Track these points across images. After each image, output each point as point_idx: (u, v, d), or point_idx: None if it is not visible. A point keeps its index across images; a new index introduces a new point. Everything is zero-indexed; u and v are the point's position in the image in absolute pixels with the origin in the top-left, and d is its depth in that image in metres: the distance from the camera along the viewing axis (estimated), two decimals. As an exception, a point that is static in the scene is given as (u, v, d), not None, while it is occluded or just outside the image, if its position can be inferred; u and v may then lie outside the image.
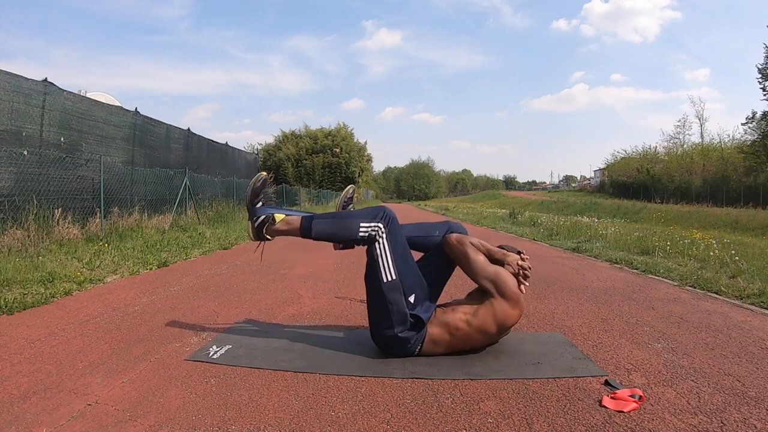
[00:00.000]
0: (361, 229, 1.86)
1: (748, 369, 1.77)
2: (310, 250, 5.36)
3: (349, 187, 2.21)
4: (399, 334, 1.83)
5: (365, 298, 1.97)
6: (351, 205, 2.24)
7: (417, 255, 2.06)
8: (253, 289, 3.34)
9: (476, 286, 1.95)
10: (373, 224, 1.86)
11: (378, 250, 1.86)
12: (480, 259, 1.92)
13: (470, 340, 1.87)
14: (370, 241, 1.87)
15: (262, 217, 1.99)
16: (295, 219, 1.96)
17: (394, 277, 1.84)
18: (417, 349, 1.87)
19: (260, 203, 2.02)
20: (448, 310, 1.91)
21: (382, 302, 1.84)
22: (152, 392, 1.56)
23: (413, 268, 1.94)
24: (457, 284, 3.54)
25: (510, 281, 1.87)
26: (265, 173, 2.09)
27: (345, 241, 1.95)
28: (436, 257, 2.03)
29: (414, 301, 1.88)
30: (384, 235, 1.86)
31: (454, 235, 1.99)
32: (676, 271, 4.00)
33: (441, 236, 2.03)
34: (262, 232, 2.00)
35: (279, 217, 1.98)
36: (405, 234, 1.98)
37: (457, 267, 2.03)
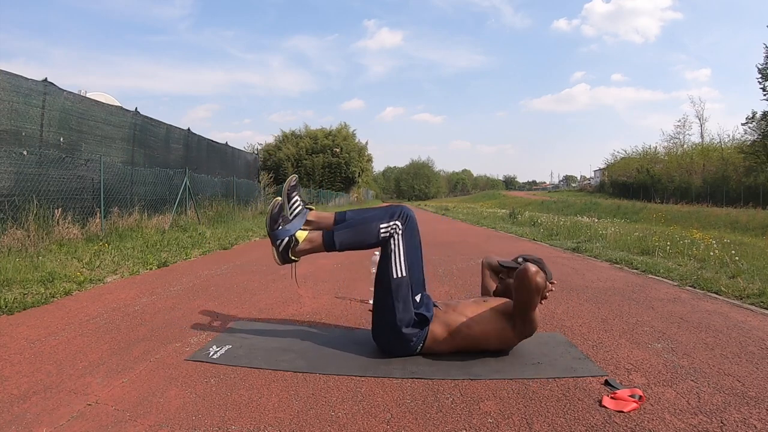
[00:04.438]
0: (381, 231, 1.88)
1: (748, 369, 1.77)
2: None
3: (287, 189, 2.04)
4: (403, 332, 1.83)
5: (365, 298, 1.96)
6: (296, 195, 2.07)
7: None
8: (253, 289, 3.34)
9: (480, 289, 1.94)
10: (392, 223, 1.88)
11: (392, 246, 1.87)
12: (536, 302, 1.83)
13: (470, 344, 1.87)
14: (389, 239, 1.88)
15: (286, 239, 1.97)
16: (316, 235, 1.97)
17: (404, 274, 1.85)
18: (418, 348, 1.87)
19: (279, 227, 1.98)
20: (449, 309, 1.91)
21: (389, 298, 1.85)
22: (152, 392, 1.56)
23: (421, 268, 1.95)
24: (457, 284, 3.55)
25: (535, 326, 1.86)
26: (279, 198, 2.04)
27: (369, 246, 1.94)
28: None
29: (420, 300, 1.89)
30: (401, 232, 1.88)
31: (538, 274, 1.73)
32: (676, 271, 4.00)
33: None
34: (288, 254, 1.98)
35: (301, 236, 1.97)
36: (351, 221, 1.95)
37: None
